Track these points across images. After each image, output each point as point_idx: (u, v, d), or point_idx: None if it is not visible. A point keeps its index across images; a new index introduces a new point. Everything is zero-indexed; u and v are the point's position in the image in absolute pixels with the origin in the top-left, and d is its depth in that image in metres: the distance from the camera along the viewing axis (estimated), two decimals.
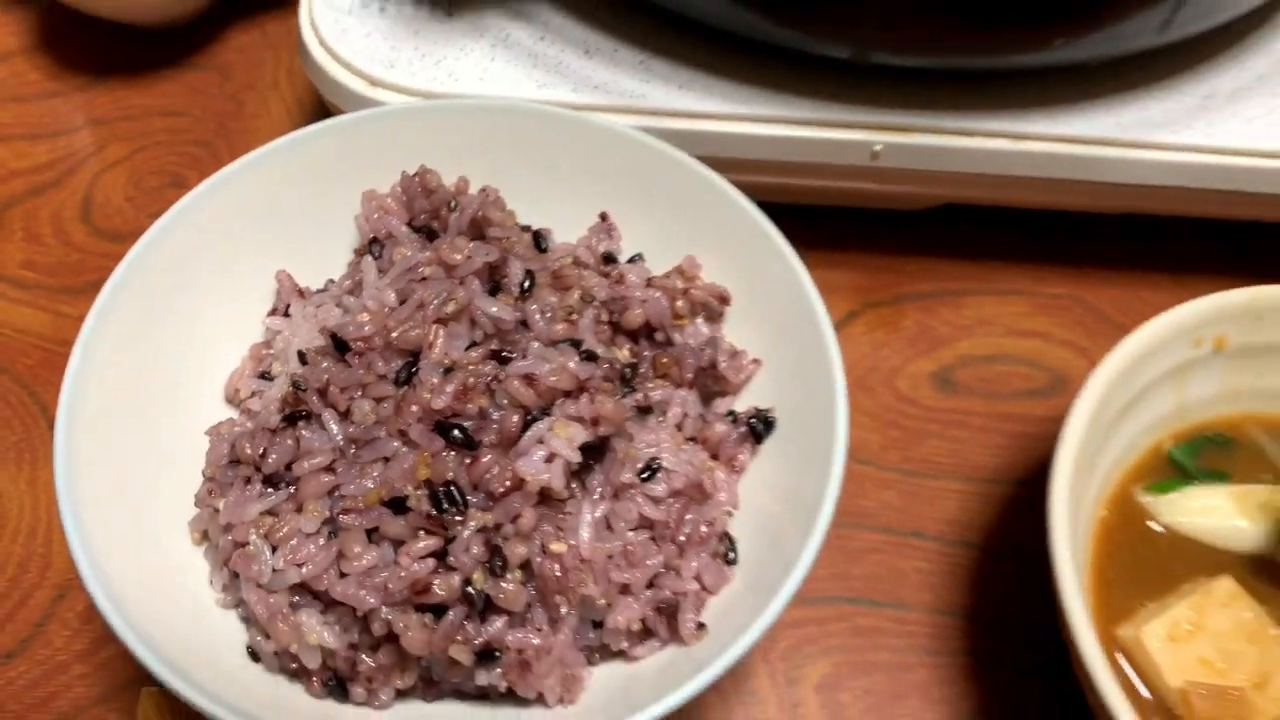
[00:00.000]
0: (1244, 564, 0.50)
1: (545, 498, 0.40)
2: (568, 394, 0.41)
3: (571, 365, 0.41)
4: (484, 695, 0.41)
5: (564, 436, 0.40)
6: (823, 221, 0.62)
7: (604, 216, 0.51)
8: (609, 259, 0.49)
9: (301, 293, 0.49)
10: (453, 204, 0.49)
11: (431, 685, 0.41)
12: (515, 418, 0.40)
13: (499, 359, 0.42)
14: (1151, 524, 0.51)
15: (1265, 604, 0.48)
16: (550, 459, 0.39)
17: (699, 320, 0.48)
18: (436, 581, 0.38)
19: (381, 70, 0.55)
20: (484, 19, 0.58)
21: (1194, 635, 0.46)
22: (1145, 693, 0.46)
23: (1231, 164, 0.56)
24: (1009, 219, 0.64)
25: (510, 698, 0.41)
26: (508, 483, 0.39)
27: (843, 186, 0.59)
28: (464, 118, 0.52)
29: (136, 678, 0.48)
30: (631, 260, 0.50)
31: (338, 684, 0.40)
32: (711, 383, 0.47)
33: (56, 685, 0.48)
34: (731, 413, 0.47)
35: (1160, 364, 0.51)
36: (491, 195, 0.49)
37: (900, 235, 0.64)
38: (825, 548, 0.54)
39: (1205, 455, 0.53)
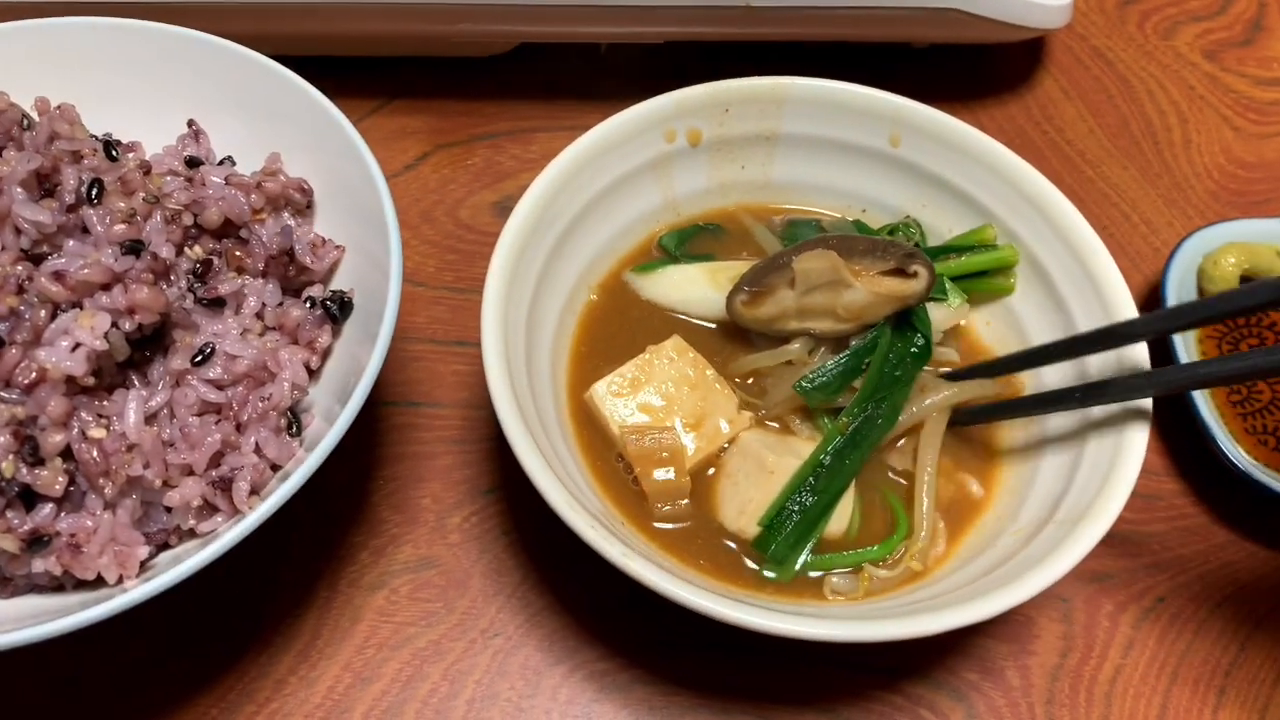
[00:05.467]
0: (709, 330, 0.53)
1: (85, 388, 0.42)
2: (105, 288, 0.42)
3: (104, 259, 0.42)
4: (60, 586, 0.43)
5: (87, 326, 0.41)
6: (405, 71, 0.66)
7: (191, 124, 0.52)
8: (193, 163, 0.50)
9: None
10: (25, 122, 0.49)
11: (6, 583, 0.43)
12: (44, 313, 0.41)
13: (34, 260, 0.42)
14: (635, 301, 0.54)
15: (718, 358, 0.51)
16: (75, 348, 0.41)
17: (285, 214, 0.50)
18: None
19: None
20: None
21: (639, 387, 0.49)
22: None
23: None
24: (580, 62, 0.69)
25: (87, 585, 0.42)
26: (33, 375, 0.40)
27: (403, 29, 0.62)
28: (45, 38, 0.52)
29: None
30: (221, 163, 0.52)
31: None
32: (294, 272, 0.49)
33: None
34: (310, 298, 0.49)
35: (633, 158, 0.53)
36: (66, 112, 0.49)
37: (478, 81, 0.68)
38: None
39: (696, 241, 0.56)
